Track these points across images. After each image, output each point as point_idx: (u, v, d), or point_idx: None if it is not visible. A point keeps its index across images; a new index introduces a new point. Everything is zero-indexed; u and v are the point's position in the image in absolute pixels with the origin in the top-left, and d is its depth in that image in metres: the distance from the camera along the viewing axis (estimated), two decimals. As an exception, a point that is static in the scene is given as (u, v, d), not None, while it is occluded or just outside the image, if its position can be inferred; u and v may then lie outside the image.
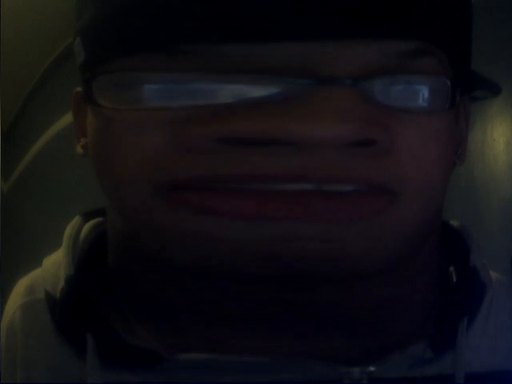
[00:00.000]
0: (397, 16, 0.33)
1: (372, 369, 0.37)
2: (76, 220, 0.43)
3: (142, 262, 0.38)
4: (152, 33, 0.33)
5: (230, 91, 0.32)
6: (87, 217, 0.44)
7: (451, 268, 0.43)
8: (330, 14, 0.31)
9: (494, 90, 0.42)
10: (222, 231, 0.33)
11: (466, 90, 0.39)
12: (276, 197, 0.32)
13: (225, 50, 0.32)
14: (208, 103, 0.32)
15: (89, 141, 0.37)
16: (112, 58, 0.34)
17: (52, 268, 0.41)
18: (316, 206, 0.32)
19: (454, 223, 0.45)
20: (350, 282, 0.36)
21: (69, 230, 0.42)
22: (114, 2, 0.34)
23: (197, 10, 0.32)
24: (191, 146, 0.33)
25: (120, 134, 0.34)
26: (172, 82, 0.33)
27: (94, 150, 0.37)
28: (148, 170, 0.33)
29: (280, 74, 0.32)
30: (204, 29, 0.32)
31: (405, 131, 0.33)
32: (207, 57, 0.32)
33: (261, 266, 0.33)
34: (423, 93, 0.34)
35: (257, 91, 0.32)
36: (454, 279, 0.42)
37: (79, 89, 0.39)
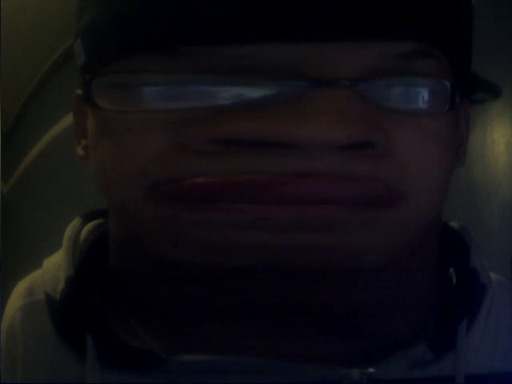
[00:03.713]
0: (396, 17, 0.33)
1: (371, 370, 0.37)
2: (76, 221, 0.43)
3: (143, 263, 0.38)
4: (152, 34, 0.33)
5: (229, 92, 0.32)
6: (87, 218, 0.44)
7: (451, 269, 0.43)
8: (329, 15, 0.31)
9: (494, 92, 0.42)
10: (221, 232, 0.33)
11: (466, 92, 0.39)
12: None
13: (224, 51, 0.32)
14: (207, 104, 0.32)
15: (89, 142, 0.37)
16: (112, 60, 0.34)
17: (52, 269, 0.41)
18: (315, 207, 0.32)
19: (454, 224, 0.45)
20: (349, 282, 0.36)
21: (69, 232, 0.42)
22: (115, 3, 0.34)
23: (196, 12, 0.32)
24: (190, 147, 0.33)
25: (120, 135, 0.34)
26: (172, 83, 0.33)
27: (94, 151, 0.37)
28: (148, 171, 0.33)
29: (278, 76, 0.32)
30: (203, 30, 0.32)
31: (404, 133, 0.33)
32: (206, 58, 0.32)
33: (262, 264, 0.33)
34: (423, 95, 0.34)
35: (255, 92, 0.32)
36: (454, 280, 0.42)
37: (80, 91, 0.39)
